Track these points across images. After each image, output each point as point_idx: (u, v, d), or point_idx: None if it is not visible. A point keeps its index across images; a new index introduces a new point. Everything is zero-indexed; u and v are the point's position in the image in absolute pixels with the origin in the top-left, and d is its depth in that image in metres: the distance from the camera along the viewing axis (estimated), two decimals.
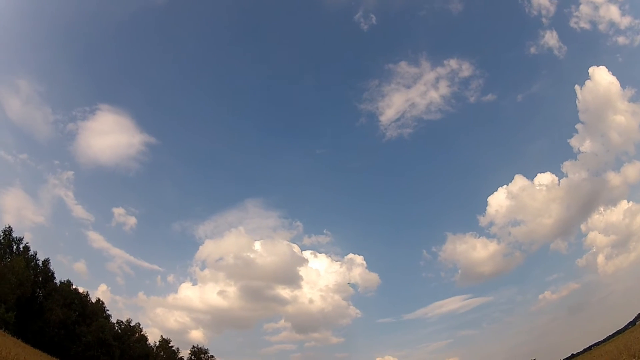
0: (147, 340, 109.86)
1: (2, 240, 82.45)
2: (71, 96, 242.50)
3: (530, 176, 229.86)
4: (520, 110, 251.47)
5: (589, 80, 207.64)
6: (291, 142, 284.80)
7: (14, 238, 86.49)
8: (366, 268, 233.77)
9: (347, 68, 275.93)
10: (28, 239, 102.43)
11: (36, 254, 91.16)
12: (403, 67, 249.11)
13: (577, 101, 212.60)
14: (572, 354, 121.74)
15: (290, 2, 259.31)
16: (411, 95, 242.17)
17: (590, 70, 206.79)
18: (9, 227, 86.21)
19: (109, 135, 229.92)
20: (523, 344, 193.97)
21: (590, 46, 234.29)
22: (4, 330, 63.45)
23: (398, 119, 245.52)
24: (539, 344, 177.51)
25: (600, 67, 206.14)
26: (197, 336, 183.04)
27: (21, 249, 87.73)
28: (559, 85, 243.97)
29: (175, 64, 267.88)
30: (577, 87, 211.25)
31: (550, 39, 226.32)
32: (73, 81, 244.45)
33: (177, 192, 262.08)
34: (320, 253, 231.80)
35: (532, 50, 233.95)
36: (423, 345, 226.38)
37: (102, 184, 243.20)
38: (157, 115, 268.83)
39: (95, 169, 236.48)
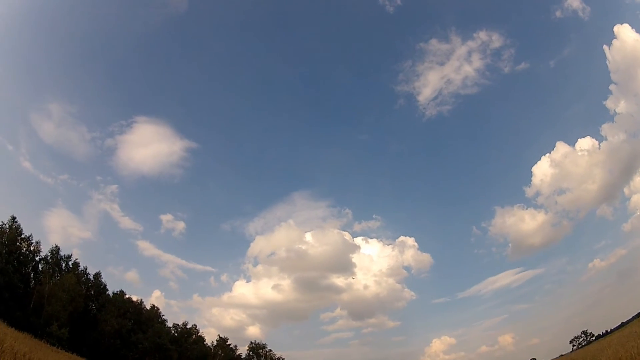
0: (205, 341, 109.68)
1: (50, 260, 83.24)
2: (105, 113, 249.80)
3: (571, 142, 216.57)
4: (554, 76, 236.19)
5: (615, 40, 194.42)
6: (332, 131, 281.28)
7: (62, 256, 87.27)
8: (418, 249, 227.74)
9: (378, 52, 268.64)
10: (77, 255, 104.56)
11: (86, 269, 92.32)
12: (434, 44, 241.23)
13: (607, 62, 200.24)
14: (622, 322, 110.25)
15: None
16: (446, 72, 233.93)
17: (615, 29, 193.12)
18: (56, 246, 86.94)
19: (149, 146, 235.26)
20: (575, 315, 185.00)
21: (612, 5, 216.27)
22: (58, 347, 63.04)
23: (435, 97, 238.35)
24: (590, 315, 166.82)
25: (624, 24, 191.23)
26: (254, 332, 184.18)
27: (70, 266, 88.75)
28: (587, 48, 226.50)
29: (205, 67, 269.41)
30: (605, 47, 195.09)
31: (573, 0, 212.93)
32: (105, 98, 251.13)
33: (223, 193, 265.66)
34: (371, 238, 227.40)
35: (558, 14, 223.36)
36: (478, 322, 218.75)
37: (147, 193, 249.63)
38: (195, 120, 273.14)
39: (138, 179, 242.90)
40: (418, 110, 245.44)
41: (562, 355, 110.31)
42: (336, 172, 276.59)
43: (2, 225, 73.08)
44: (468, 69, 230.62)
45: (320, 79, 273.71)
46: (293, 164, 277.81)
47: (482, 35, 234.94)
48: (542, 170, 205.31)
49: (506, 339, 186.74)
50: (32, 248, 78.70)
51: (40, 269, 79.37)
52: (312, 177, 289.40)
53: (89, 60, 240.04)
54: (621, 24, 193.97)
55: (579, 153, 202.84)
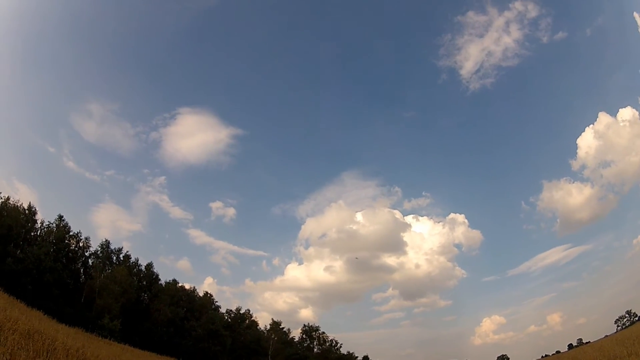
0: (258, 325, 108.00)
1: (100, 254, 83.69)
2: (147, 107, 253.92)
3: (613, 112, 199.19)
4: (591, 45, 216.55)
5: None
6: (377, 110, 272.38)
7: (112, 250, 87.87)
8: (468, 226, 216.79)
9: (417, 28, 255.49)
10: (127, 247, 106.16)
11: (138, 261, 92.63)
12: (471, 16, 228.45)
13: (639, 29, 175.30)
14: None
15: None
16: (486, 44, 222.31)
17: None
18: (106, 240, 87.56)
19: (195, 136, 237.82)
20: (620, 294, 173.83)
21: None
22: (110, 339, 62.29)
23: (478, 70, 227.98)
24: (635, 293, 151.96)
25: None
26: (307, 315, 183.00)
27: (122, 259, 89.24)
28: (620, 15, 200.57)
29: (243, 54, 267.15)
30: (635, 14, 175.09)
31: None
32: (145, 93, 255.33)
33: (272, 177, 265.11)
34: (422, 216, 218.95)
35: None
36: (528, 301, 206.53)
37: (195, 182, 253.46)
38: (239, 107, 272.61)
39: (186, 170, 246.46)
40: (462, 85, 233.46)
41: (606, 336, 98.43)
42: (384, 150, 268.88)
43: (49, 224, 73.46)
44: (507, 40, 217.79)
45: (361, 57, 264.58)
46: (340, 144, 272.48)
47: (518, 5, 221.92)
48: (587, 142, 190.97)
49: (554, 318, 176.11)
50: (81, 244, 78.92)
51: (91, 264, 79.65)
52: (360, 156, 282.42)
53: (125, 57, 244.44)
54: None
55: (621, 124, 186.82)
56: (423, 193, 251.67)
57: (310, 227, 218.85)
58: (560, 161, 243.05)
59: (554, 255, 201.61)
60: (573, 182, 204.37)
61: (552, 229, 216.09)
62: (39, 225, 71.17)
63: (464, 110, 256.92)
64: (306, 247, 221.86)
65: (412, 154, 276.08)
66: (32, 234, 68.71)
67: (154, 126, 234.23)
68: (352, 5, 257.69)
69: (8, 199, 63.99)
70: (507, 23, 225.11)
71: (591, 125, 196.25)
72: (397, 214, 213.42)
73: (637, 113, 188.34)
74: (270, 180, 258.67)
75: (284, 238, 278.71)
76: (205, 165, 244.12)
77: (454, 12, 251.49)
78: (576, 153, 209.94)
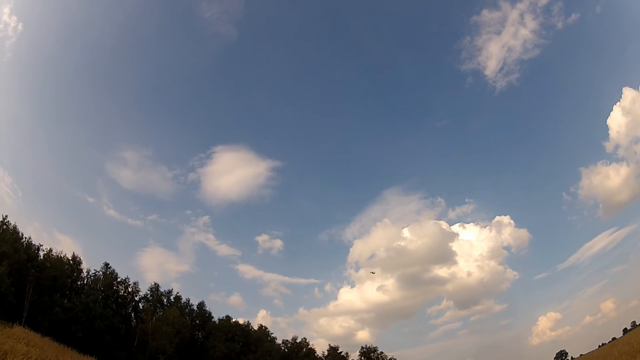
0: (316, 353, 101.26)
1: (151, 297, 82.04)
2: (181, 149, 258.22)
3: (636, 85, 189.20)
4: (603, 21, 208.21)
5: None
6: (410, 124, 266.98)
7: (162, 292, 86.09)
8: (515, 226, 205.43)
9: (435, 35, 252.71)
10: (177, 288, 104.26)
11: (189, 300, 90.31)
12: (486, 15, 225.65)
13: None
14: None
15: None
16: (505, 40, 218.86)
17: None
18: (155, 284, 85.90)
19: (233, 172, 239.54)
20: None
21: None
22: None
23: (502, 68, 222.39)
24: None
25: None
26: (363, 336, 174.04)
27: (172, 300, 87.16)
28: None
29: (269, 86, 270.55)
30: None
31: None
32: (178, 136, 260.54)
33: (315, 204, 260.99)
34: (467, 223, 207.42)
35: None
36: (580, 292, 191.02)
37: (239, 218, 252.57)
38: (274, 139, 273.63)
39: (229, 207, 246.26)
40: (488, 85, 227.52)
41: None
42: (422, 163, 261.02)
43: (95, 272, 72.77)
44: (525, 32, 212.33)
45: (386, 73, 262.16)
46: (378, 163, 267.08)
47: None
48: (616, 121, 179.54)
49: (608, 305, 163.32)
50: (130, 289, 77.71)
51: (141, 308, 77.97)
52: (399, 172, 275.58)
53: (153, 103, 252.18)
54: None
55: None
56: (466, 200, 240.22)
57: (359, 249, 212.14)
58: (594, 145, 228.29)
59: (600, 242, 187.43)
60: (609, 164, 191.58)
61: (596, 216, 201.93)
62: (85, 274, 70.57)
63: (494, 110, 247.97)
64: (356, 270, 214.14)
65: (449, 162, 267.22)
66: (79, 283, 67.92)
67: (191, 167, 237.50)
68: (370, 22, 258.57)
69: (50, 250, 63.94)
70: (522, 15, 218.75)
71: (618, 103, 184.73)
72: (443, 224, 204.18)
73: None
74: (313, 208, 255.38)
75: (333, 263, 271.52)
76: (247, 200, 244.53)
77: (468, 14, 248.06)
78: (608, 134, 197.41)
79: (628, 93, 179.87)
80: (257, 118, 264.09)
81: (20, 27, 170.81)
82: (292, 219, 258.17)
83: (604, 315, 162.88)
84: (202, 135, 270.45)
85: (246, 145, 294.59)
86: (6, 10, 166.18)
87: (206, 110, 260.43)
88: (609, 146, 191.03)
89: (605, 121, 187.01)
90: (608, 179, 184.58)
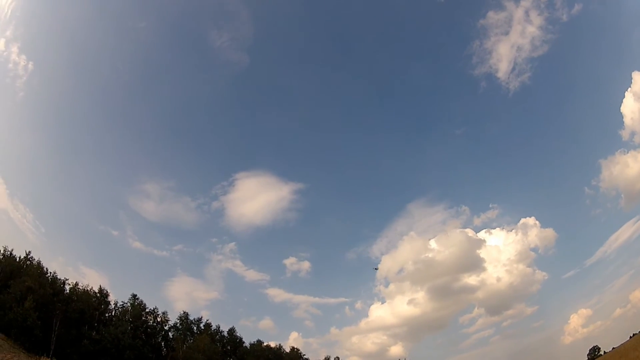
0: None
1: (180, 326, 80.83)
2: (203, 179, 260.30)
3: None
4: (605, 7, 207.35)
5: None
6: (428, 135, 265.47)
7: (191, 320, 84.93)
8: (540, 227, 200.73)
9: (444, 43, 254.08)
10: (206, 316, 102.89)
11: (219, 327, 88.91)
12: (492, 16, 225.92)
13: None
14: None
15: (363, 6, 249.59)
16: (513, 40, 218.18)
17: None
18: (184, 312, 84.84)
19: (256, 198, 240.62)
20: None
21: None
22: None
23: (513, 69, 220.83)
24: None
25: None
26: (397, 351, 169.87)
27: (202, 328, 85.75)
28: None
29: (285, 109, 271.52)
30: None
31: None
32: (198, 165, 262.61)
33: (340, 224, 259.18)
34: (493, 229, 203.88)
35: None
36: (609, 285, 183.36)
37: (266, 243, 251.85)
38: (294, 162, 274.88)
39: (254, 232, 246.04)
40: (502, 88, 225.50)
41: None
42: (443, 172, 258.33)
43: (123, 304, 72.31)
44: (531, 29, 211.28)
45: (398, 87, 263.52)
46: (400, 177, 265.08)
47: None
48: (629, 107, 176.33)
49: (637, 295, 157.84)
50: (159, 319, 76.81)
51: (171, 337, 76.67)
52: (421, 184, 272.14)
53: (172, 135, 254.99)
54: None
55: None
56: (490, 205, 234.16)
57: (387, 264, 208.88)
58: (610, 135, 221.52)
59: (626, 232, 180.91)
60: (627, 152, 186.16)
61: (618, 207, 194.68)
62: (113, 306, 70.08)
63: (509, 112, 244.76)
64: (386, 285, 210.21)
65: (470, 169, 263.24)
66: (107, 315, 67.38)
67: (214, 196, 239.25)
68: (378, 37, 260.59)
69: (77, 284, 64.02)
70: (527, 12, 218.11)
71: (629, 89, 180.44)
72: (469, 232, 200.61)
73: None
74: (339, 227, 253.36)
75: (362, 280, 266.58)
76: (272, 224, 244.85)
77: (475, 17, 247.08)
78: (623, 122, 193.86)
79: (638, 77, 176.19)
80: (276, 141, 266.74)
81: (30, 65, 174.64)
82: (318, 239, 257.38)
83: (633, 306, 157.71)
84: (223, 163, 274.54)
85: (267, 169, 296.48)
86: (14, 49, 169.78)
87: (225, 138, 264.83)
88: (624, 134, 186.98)
89: (619, 109, 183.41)
90: (627, 167, 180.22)
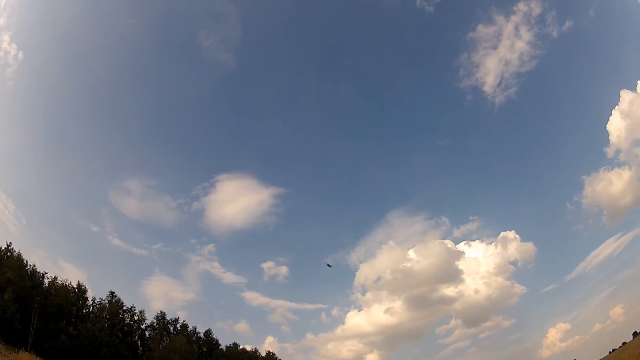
0: None
1: (157, 326, 79.87)
2: (185, 179, 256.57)
3: (633, 87, 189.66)
4: (597, 25, 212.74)
5: None
6: (412, 145, 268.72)
7: (168, 320, 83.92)
8: (520, 241, 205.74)
9: (434, 54, 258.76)
10: (183, 316, 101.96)
11: (195, 329, 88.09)
12: (482, 30, 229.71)
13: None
14: None
15: (353, 14, 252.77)
16: (501, 54, 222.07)
17: None
18: (161, 312, 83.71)
19: (237, 200, 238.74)
20: None
21: None
22: None
23: (500, 83, 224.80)
24: None
25: None
26: (373, 359, 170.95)
27: (179, 328, 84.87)
28: None
29: (270, 113, 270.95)
30: None
31: None
32: (180, 165, 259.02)
33: (320, 230, 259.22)
34: (473, 241, 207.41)
35: None
36: (589, 301, 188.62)
37: (244, 246, 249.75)
38: (276, 166, 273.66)
39: (233, 235, 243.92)
40: (487, 101, 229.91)
41: None
42: (425, 183, 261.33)
43: (101, 300, 71.18)
44: (520, 45, 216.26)
45: (384, 95, 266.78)
46: (381, 186, 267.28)
47: (521, 6, 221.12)
48: (616, 125, 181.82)
49: (617, 311, 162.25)
50: (136, 317, 75.73)
51: (148, 336, 75.74)
52: (402, 194, 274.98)
53: (156, 133, 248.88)
54: None
55: None
56: (470, 218, 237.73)
57: (365, 272, 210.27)
58: (595, 152, 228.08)
59: (607, 248, 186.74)
60: (611, 170, 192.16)
61: (601, 223, 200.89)
62: (91, 302, 68.96)
63: (494, 126, 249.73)
64: (363, 293, 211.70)
65: (452, 181, 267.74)
66: (84, 311, 66.24)
67: (195, 196, 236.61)
68: (364, 45, 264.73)
69: (55, 278, 62.86)
70: (516, 27, 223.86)
71: (616, 107, 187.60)
72: (449, 243, 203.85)
73: None
74: (318, 233, 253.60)
75: (339, 287, 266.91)
76: (252, 228, 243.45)
77: (464, 30, 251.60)
78: (608, 140, 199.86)
79: (626, 95, 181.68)
80: (259, 145, 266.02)
81: (20, 55, 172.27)
82: (297, 245, 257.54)
83: (613, 321, 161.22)
84: (205, 164, 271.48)
85: (249, 172, 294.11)
86: (6, 37, 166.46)
87: (208, 139, 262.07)
88: (609, 151, 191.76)
89: (605, 127, 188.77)
90: (611, 184, 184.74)
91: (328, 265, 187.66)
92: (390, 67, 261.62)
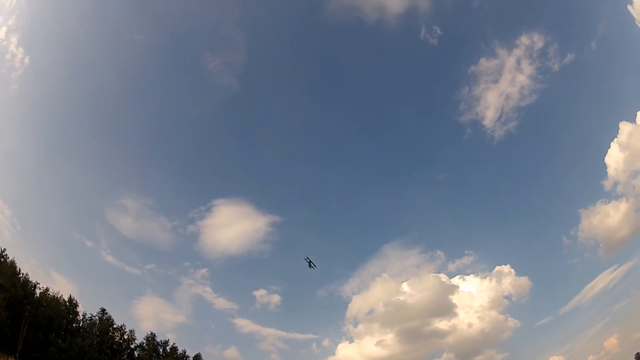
0: None
1: (146, 346, 76.84)
2: (182, 201, 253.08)
3: (632, 118, 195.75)
4: (599, 57, 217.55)
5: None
6: (410, 178, 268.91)
7: (158, 342, 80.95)
8: (515, 275, 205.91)
9: (435, 87, 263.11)
10: (173, 339, 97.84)
11: (185, 352, 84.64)
12: (483, 64, 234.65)
13: (636, 22, 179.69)
14: None
15: (356, 44, 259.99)
16: (502, 88, 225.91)
17: None
18: (152, 333, 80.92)
19: (233, 226, 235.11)
20: None
21: None
22: None
23: (500, 117, 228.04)
24: None
25: None
26: None
27: (168, 350, 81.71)
28: (619, 18, 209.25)
29: (270, 141, 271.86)
30: (629, 8, 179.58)
31: None
32: (178, 187, 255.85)
33: (314, 260, 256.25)
34: (467, 275, 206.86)
35: None
36: (583, 333, 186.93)
37: (238, 272, 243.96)
38: (274, 194, 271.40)
39: (227, 260, 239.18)
40: (487, 136, 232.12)
41: None
42: (421, 217, 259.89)
43: (91, 316, 68.79)
44: (522, 78, 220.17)
45: (384, 127, 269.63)
46: (378, 218, 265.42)
47: (524, 39, 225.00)
48: (614, 158, 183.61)
49: (611, 342, 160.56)
50: (125, 336, 73.10)
51: (137, 356, 72.75)
52: (398, 227, 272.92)
53: (156, 153, 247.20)
54: None
55: None
56: (465, 252, 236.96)
57: (357, 304, 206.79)
58: (593, 185, 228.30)
59: (602, 281, 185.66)
60: (608, 203, 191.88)
61: (596, 256, 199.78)
62: (81, 317, 66.57)
63: (492, 160, 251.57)
64: (355, 325, 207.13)
65: (449, 215, 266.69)
66: (74, 325, 63.82)
67: (191, 219, 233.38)
68: (366, 76, 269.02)
69: (47, 290, 60.78)
70: (518, 61, 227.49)
71: (615, 139, 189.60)
72: (443, 277, 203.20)
73: None
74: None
75: (331, 318, 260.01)
76: (246, 255, 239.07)
77: (466, 64, 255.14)
78: (606, 172, 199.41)
79: (625, 127, 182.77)
80: (258, 172, 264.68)
81: (27, 60, 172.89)
82: (291, 274, 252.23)
83: (607, 353, 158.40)
84: (202, 187, 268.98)
85: (246, 199, 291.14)
86: (14, 39, 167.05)
87: (208, 162, 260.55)
88: (607, 184, 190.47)
89: (603, 159, 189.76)
90: (607, 217, 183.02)
91: (309, 262, 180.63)
92: (391, 99, 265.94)
